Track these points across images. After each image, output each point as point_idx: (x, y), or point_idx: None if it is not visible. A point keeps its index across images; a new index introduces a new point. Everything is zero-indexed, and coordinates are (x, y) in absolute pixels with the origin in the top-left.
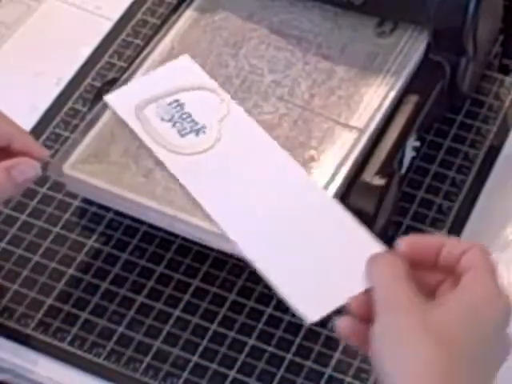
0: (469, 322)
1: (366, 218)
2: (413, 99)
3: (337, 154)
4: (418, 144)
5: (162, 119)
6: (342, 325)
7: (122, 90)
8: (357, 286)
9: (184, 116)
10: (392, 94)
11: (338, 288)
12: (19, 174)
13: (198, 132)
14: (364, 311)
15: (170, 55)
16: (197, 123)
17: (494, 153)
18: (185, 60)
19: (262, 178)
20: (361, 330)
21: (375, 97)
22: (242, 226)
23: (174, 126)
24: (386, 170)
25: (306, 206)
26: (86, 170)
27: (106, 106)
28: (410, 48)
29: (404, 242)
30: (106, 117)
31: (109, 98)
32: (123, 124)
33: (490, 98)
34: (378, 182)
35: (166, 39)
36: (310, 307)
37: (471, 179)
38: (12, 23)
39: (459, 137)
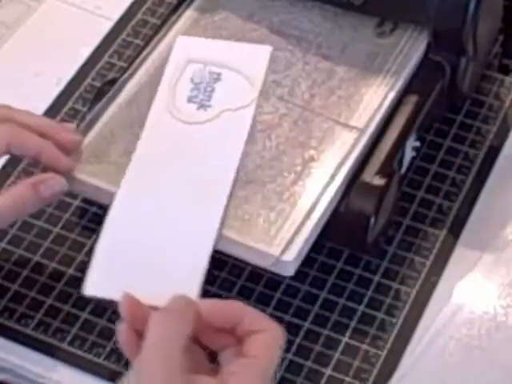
0: None
1: (366, 218)
2: (413, 99)
3: (337, 154)
4: (418, 144)
5: (192, 80)
6: (120, 328)
7: (195, 39)
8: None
9: (208, 88)
10: (392, 94)
11: (140, 283)
12: (46, 189)
13: (200, 106)
14: (137, 322)
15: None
16: (209, 99)
17: (493, 153)
18: (263, 50)
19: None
20: (132, 340)
21: (375, 97)
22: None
23: (193, 89)
24: (385, 169)
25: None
26: (85, 170)
27: (105, 107)
28: (410, 48)
29: (206, 306)
30: (105, 117)
31: (182, 39)
32: (123, 124)
33: (489, 97)
34: (378, 181)
35: (165, 39)
36: (98, 282)
37: (471, 179)
38: (12, 23)
39: (459, 137)
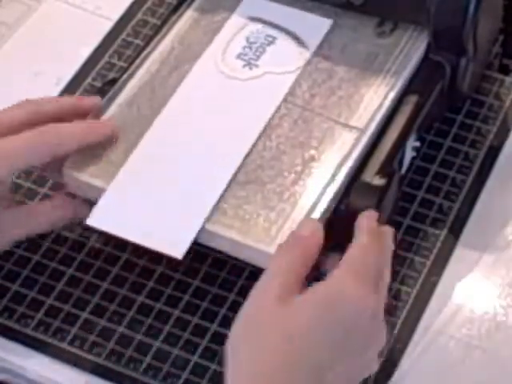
0: (318, 316)
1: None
2: (413, 99)
3: (337, 154)
4: (418, 144)
5: (247, 39)
6: None
7: (262, 1)
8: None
9: (260, 49)
10: (392, 94)
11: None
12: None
13: (247, 64)
14: None
15: (170, 55)
16: (257, 59)
17: (494, 153)
18: (324, 22)
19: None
20: None
21: (375, 97)
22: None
23: (245, 47)
24: (386, 169)
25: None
26: (85, 170)
27: (105, 107)
28: (410, 48)
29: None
30: (105, 117)
31: None
32: (123, 124)
33: (490, 97)
34: (378, 182)
35: (166, 39)
36: (104, 215)
37: (471, 179)
38: (12, 23)
39: (459, 137)
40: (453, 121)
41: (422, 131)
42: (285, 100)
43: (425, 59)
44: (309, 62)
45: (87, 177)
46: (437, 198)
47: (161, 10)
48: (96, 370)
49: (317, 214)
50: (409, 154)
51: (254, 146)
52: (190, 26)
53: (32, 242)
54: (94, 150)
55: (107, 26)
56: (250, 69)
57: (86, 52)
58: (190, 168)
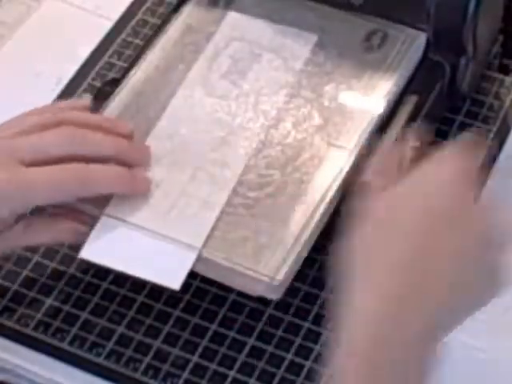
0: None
1: None
2: (413, 99)
3: (328, 174)
4: (417, 144)
5: (232, 57)
6: None
7: (245, 18)
8: None
9: (245, 67)
10: (391, 94)
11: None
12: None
13: (233, 83)
14: None
15: (156, 72)
16: (243, 77)
17: (494, 153)
18: (308, 38)
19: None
20: None
21: (352, 133)
22: None
23: (230, 66)
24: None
25: None
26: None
27: (105, 107)
28: (410, 48)
29: None
30: (106, 113)
31: (231, 15)
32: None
33: (489, 97)
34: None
35: (163, 38)
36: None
37: None
38: (12, 23)
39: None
40: (453, 121)
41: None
42: (274, 119)
43: (424, 59)
44: (296, 78)
45: (79, 204)
46: None
47: (161, 10)
48: (96, 370)
49: (307, 233)
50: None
51: (243, 170)
52: (174, 43)
53: None
54: None
55: (107, 25)
56: (236, 87)
57: (85, 52)
58: (182, 193)
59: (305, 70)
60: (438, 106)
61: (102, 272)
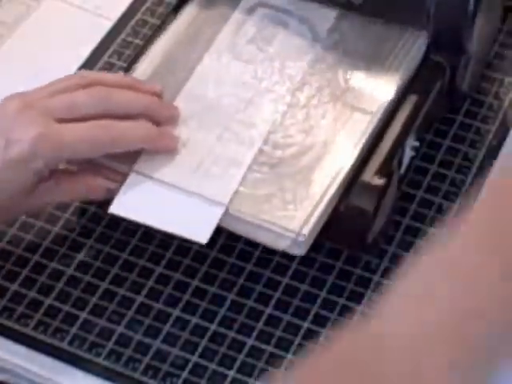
0: None
1: (366, 218)
2: (412, 99)
3: (351, 136)
4: (417, 144)
5: (258, 23)
6: None
7: None
8: None
9: (271, 34)
10: (392, 95)
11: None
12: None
13: (259, 49)
14: None
15: (185, 36)
16: (269, 43)
17: (493, 153)
18: (329, 12)
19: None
20: None
21: (375, 98)
22: None
23: (256, 32)
24: (385, 169)
25: None
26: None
27: (136, 66)
28: (410, 48)
29: None
30: (135, 75)
31: None
32: None
33: (489, 97)
34: (378, 181)
35: (174, 25)
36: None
37: (471, 179)
38: (11, 23)
39: (459, 137)
40: (452, 121)
41: (421, 131)
42: (299, 83)
43: (425, 59)
44: (321, 45)
45: (108, 160)
46: (436, 198)
47: (160, 10)
48: (96, 370)
49: (331, 192)
50: (408, 153)
51: (268, 131)
52: (195, 16)
53: (32, 242)
54: None
55: (107, 25)
56: (262, 52)
57: (85, 52)
58: (209, 152)
59: (329, 38)
60: (437, 105)
61: (102, 272)
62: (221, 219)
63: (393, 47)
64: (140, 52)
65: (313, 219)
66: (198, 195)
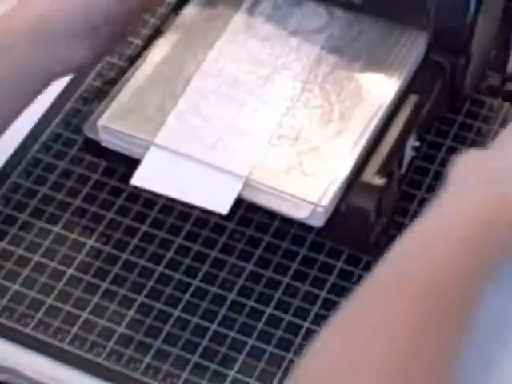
0: None
1: (366, 218)
2: (413, 99)
3: (367, 110)
4: (417, 144)
5: (274, 2)
6: None
7: None
8: None
9: (289, 11)
10: (393, 94)
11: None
12: None
13: (276, 26)
14: None
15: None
16: (285, 21)
17: None
18: None
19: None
20: None
21: (375, 97)
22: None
23: (273, 10)
24: (385, 169)
25: None
26: (119, 123)
27: (139, 65)
28: (410, 48)
29: None
30: (139, 73)
31: None
32: (157, 80)
33: (490, 97)
34: (378, 181)
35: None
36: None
37: None
38: None
39: (459, 137)
40: (453, 121)
41: (422, 131)
42: (316, 60)
43: (425, 59)
44: (338, 23)
45: (122, 128)
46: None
47: (161, 10)
48: (96, 370)
49: (350, 163)
50: (408, 153)
51: (287, 105)
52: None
53: (32, 242)
54: (129, 106)
55: None
56: (280, 30)
57: None
58: (229, 126)
59: (345, 17)
60: (438, 105)
61: (102, 272)
62: (241, 191)
63: (393, 47)
64: (157, 30)
65: (331, 191)
66: (218, 168)
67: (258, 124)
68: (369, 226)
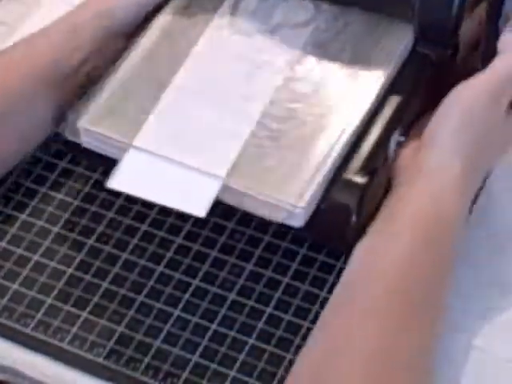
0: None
1: (348, 216)
2: (398, 94)
3: (350, 108)
4: (403, 139)
5: None
6: None
7: None
8: None
9: (274, 4)
10: (377, 89)
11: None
12: None
13: (260, 20)
14: None
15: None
16: (271, 14)
17: None
18: None
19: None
20: None
21: (360, 92)
22: None
23: (259, 3)
24: (368, 167)
25: None
26: (101, 124)
27: (120, 64)
28: (397, 41)
29: None
30: (121, 73)
31: None
32: (139, 81)
33: None
34: (360, 179)
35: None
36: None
37: None
38: (11, 23)
39: None
40: None
41: (408, 125)
42: (299, 55)
43: (412, 52)
44: (324, 17)
45: (103, 130)
46: None
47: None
48: (96, 370)
49: (329, 162)
50: (392, 147)
51: (268, 104)
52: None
53: (32, 242)
54: (110, 107)
55: None
56: (264, 24)
57: None
58: (208, 126)
59: (331, 10)
60: (425, 99)
61: (102, 272)
62: (219, 193)
63: (379, 40)
64: (141, 25)
65: (310, 191)
66: (196, 169)
67: (237, 124)
68: (350, 224)
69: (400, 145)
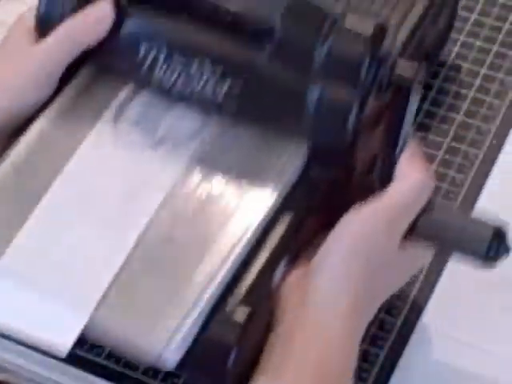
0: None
1: (227, 356)
2: (287, 218)
3: (231, 236)
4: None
5: (144, 104)
6: None
7: None
8: None
9: (159, 115)
10: (264, 212)
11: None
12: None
13: (145, 133)
14: None
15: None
16: (156, 127)
17: (494, 152)
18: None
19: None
20: None
21: (245, 215)
22: None
23: (141, 116)
24: (250, 300)
25: None
26: None
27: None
28: (289, 160)
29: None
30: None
31: None
32: (6, 190)
33: (489, 97)
34: (239, 316)
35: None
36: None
37: (471, 179)
38: (11, 23)
39: (459, 136)
40: (453, 120)
41: (296, 251)
42: (183, 172)
43: (304, 172)
44: (211, 129)
45: None
46: (436, 198)
47: None
48: (96, 370)
49: (207, 295)
50: (278, 276)
51: (145, 227)
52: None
53: None
54: None
55: None
56: (148, 137)
57: None
58: (80, 250)
59: (219, 122)
60: (319, 222)
61: None
62: (84, 330)
63: (270, 158)
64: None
65: (181, 332)
66: (61, 301)
67: (110, 250)
68: (228, 366)
69: (286, 270)
